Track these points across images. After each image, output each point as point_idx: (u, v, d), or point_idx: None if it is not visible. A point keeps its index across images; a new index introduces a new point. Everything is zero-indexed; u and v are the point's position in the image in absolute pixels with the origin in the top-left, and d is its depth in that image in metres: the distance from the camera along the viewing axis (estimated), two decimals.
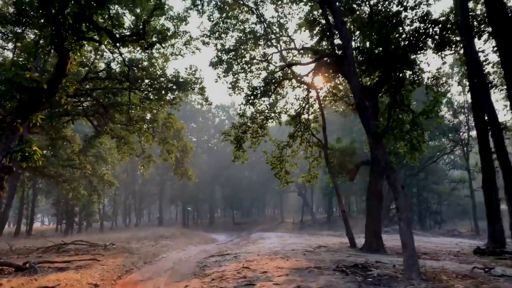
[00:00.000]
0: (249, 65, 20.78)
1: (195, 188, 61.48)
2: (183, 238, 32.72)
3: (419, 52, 14.49)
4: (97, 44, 12.99)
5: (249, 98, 18.21)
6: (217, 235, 42.50)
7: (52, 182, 29.35)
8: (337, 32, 14.88)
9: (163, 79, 19.39)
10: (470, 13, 20.37)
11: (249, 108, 18.44)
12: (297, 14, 21.39)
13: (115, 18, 13.91)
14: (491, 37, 20.78)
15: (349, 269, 9.69)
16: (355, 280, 8.51)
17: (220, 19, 19.20)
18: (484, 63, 21.78)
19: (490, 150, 18.62)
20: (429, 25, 13.96)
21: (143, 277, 12.06)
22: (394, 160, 19.40)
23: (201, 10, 18.71)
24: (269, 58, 20.28)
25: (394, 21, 13.90)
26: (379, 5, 16.47)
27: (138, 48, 14.58)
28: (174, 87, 19.36)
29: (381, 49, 13.61)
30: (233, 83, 20.88)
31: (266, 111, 19.02)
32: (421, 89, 17.80)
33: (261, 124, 19.01)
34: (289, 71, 18.98)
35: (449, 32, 14.07)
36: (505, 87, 21.76)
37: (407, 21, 14.91)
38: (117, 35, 12.41)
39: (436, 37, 14.20)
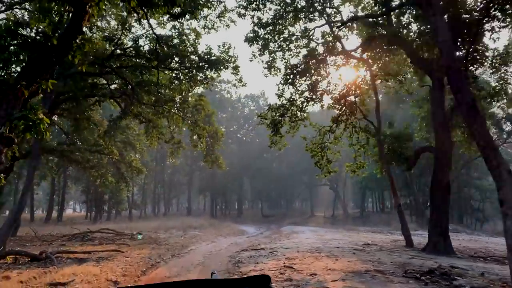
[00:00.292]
0: (288, 43, 18.85)
1: (224, 179, 60.40)
2: (212, 229, 31.52)
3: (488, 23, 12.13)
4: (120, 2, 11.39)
5: (288, 77, 16.29)
6: (246, 227, 41.08)
7: (80, 168, 28.62)
8: None
9: (194, 57, 17.75)
10: None
11: (288, 88, 16.53)
12: None
13: None
14: None
15: (425, 276, 7.70)
16: None
17: None
18: None
19: None
20: None
21: (170, 272, 10.55)
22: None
23: None
24: (310, 33, 18.25)
25: None
26: None
27: (168, 17, 12.92)
28: (206, 65, 17.68)
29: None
30: (269, 63, 19.07)
31: (307, 92, 17.01)
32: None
33: (301, 107, 17.06)
34: (336, 45, 16.83)
35: None
36: None
37: None
38: None
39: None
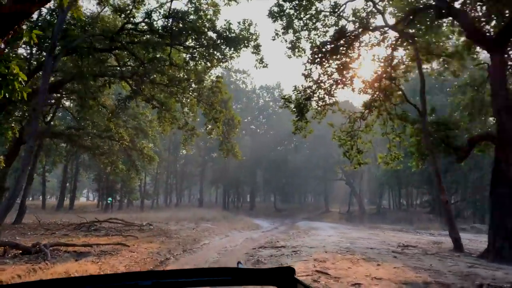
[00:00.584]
0: (314, 21, 17.03)
1: (237, 171, 59.03)
2: (225, 222, 30.08)
3: None
4: None
5: (316, 56, 14.50)
6: (260, 220, 39.58)
7: (90, 154, 27.46)
8: None
9: (211, 34, 16.09)
10: None
11: (316, 68, 14.75)
12: None
13: None
14: None
15: None
16: None
17: None
18: None
19: None
20: None
21: None
22: None
23: None
24: (340, 10, 16.38)
25: None
26: None
27: None
28: (225, 43, 16.02)
29: None
30: (293, 42, 17.31)
31: (335, 74, 15.18)
32: None
33: (329, 90, 15.26)
34: (370, 22, 14.94)
35: None
36: None
37: None
38: None
39: None
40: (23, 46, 14.45)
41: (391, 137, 15.76)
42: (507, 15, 10.82)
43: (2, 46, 5.23)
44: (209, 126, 20.36)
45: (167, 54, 15.96)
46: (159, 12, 16.24)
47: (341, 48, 15.11)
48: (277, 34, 17.25)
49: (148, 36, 16.30)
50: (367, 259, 10.09)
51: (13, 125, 13.22)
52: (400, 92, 15.06)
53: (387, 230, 26.17)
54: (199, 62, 17.05)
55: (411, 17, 13.13)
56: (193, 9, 16.87)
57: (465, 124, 14.42)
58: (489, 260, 10.17)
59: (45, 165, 42.85)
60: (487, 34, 12.12)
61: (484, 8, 11.07)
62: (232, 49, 16.45)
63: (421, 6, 12.26)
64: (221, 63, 16.91)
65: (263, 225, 33.72)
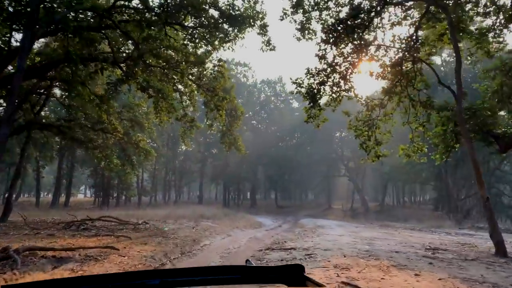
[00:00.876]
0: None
1: (237, 167, 57.52)
2: (226, 220, 28.52)
3: None
4: None
5: (331, 34, 12.88)
6: (262, 218, 38.03)
7: (83, 148, 25.83)
8: None
9: (213, 10, 14.45)
10: None
11: (331, 49, 13.12)
12: None
13: None
14: None
15: None
16: None
17: None
18: None
19: None
20: None
21: None
22: None
23: None
24: None
25: None
26: None
27: None
28: (228, 22, 14.37)
29: None
30: (302, 23, 15.69)
31: (352, 55, 13.54)
32: None
33: (345, 74, 13.64)
34: None
35: None
36: None
37: None
38: None
39: None
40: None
41: (413, 126, 14.18)
42: None
43: None
44: (210, 120, 18.78)
45: (164, 34, 14.32)
46: None
47: (358, 27, 13.48)
48: (285, 13, 15.63)
49: (141, 14, 14.64)
50: (398, 266, 8.52)
51: None
52: (423, 77, 13.46)
53: (400, 229, 24.63)
54: (199, 44, 15.42)
55: None
56: None
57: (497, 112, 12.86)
58: None
59: (38, 160, 41.25)
60: None
61: None
62: (236, 29, 14.81)
63: None
64: (223, 45, 15.25)
65: (266, 222, 32.20)
